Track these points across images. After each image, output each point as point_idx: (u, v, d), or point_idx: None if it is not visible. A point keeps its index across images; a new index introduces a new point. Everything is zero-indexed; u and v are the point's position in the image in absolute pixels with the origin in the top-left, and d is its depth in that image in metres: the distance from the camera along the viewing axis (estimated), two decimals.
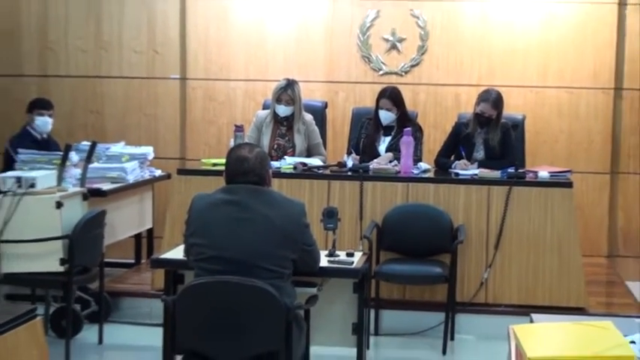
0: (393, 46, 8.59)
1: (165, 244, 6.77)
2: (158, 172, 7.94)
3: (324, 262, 4.74)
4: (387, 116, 7.23)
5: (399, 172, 6.90)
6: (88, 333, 6.55)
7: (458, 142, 7.31)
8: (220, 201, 4.43)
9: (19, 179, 6.04)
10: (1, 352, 3.39)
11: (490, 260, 6.72)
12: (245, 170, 4.43)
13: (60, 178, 6.45)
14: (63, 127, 8.15)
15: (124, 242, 7.61)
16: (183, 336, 4.40)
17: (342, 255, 4.89)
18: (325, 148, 7.57)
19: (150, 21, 8.89)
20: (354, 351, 4.84)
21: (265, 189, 4.48)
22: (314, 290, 4.66)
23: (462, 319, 6.62)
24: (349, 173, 6.95)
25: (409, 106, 7.59)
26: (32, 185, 6.05)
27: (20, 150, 6.86)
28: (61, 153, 6.69)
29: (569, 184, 6.77)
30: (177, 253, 4.89)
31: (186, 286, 4.42)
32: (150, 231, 8.08)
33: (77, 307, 6.47)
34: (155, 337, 5.33)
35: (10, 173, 6.26)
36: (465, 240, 6.55)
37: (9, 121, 8.62)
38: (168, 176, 7.95)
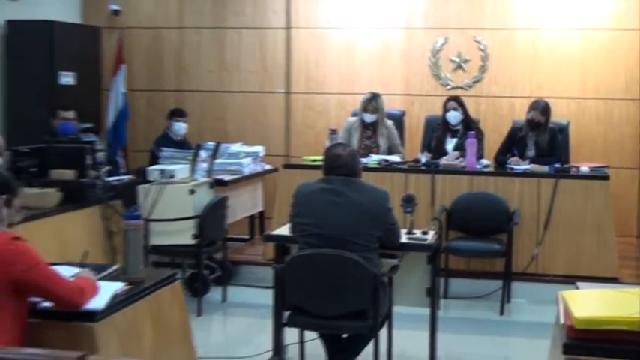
0: (459, 66, 8.50)
1: (273, 224, 6.81)
2: (267, 167, 7.97)
3: (403, 238, 4.72)
4: (454, 115, 7.15)
5: (465, 167, 6.84)
6: (215, 293, 6.65)
7: (513, 143, 7.22)
8: (320, 189, 4.44)
9: (162, 172, 6.20)
10: (151, 307, 3.45)
11: (540, 238, 6.63)
12: (340, 165, 4.43)
13: (192, 171, 6.57)
14: (194, 130, 8.21)
15: (241, 221, 7.65)
16: (290, 296, 4.42)
17: (418, 233, 4.85)
18: (403, 147, 7.51)
19: (261, 47, 8.93)
20: (427, 310, 4.83)
21: (356, 179, 4.48)
22: (396, 261, 4.64)
23: (517, 286, 6.55)
24: (423, 168, 6.90)
25: (472, 114, 7.52)
26: (172, 176, 6.19)
27: (162, 149, 7.00)
28: (193, 151, 6.81)
29: (605, 177, 6.67)
30: (284, 230, 4.89)
31: (292, 257, 4.44)
32: (261, 213, 8.10)
33: (206, 272, 6.56)
34: (267, 296, 5.34)
35: (155, 167, 6.40)
36: (519, 222, 6.48)
37: (152, 125, 8.82)
38: (275, 170, 7.96)
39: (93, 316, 3.03)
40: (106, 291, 3.20)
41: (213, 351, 5.28)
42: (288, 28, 8.86)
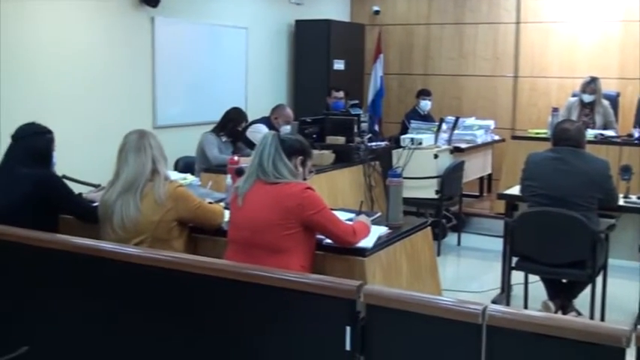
0: None
1: (500, 185, 6.58)
2: (496, 137, 7.67)
3: (620, 201, 4.35)
4: None
5: None
6: (451, 238, 6.56)
7: None
8: (549, 157, 4.18)
9: (412, 140, 6.16)
10: (406, 247, 3.41)
11: None
12: (567, 137, 4.14)
13: (436, 139, 6.50)
14: (436, 107, 8.11)
15: (473, 181, 7.45)
16: (519, 245, 4.24)
17: (633, 197, 4.45)
18: (617, 124, 6.90)
19: (494, 39, 8.60)
20: (639, 264, 4.46)
21: (581, 150, 4.17)
22: (613, 221, 4.31)
23: None
24: (635, 141, 6.28)
25: None
26: (420, 143, 6.15)
27: (411, 121, 6.99)
28: (437, 123, 6.76)
29: None
30: (513, 191, 4.70)
31: (522, 213, 4.25)
32: (489, 175, 7.85)
33: (444, 221, 6.46)
34: (494, 243, 5.22)
35: (406, 136, 6.39)
36: None
37: (403, 102, 8.87)
38: (502, 140, 7.66)
39: (363, 252, 3.03)
40: (374, 233, 3.19)
41: (448, 284, 5.17)
42: (517, 22, 8.44)
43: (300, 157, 3.07)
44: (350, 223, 3.13)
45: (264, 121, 6.15)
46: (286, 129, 5.83)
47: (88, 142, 5.82)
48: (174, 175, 3.77)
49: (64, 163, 3.63)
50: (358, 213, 3.40)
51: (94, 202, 3.51)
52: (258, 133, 5.84)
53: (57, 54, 5.62)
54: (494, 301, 4.54)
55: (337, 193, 5.59)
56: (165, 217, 3.12)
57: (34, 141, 3.32)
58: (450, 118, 7.02)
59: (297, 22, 8.41)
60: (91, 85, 5.93)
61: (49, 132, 3.40)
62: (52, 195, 3.26)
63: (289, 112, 6.23)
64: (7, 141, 3.37)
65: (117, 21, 6.15)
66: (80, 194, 3.65)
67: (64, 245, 2.75)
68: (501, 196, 4.94)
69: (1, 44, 5.18)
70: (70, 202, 3.35)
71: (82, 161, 5.32)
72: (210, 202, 3.45)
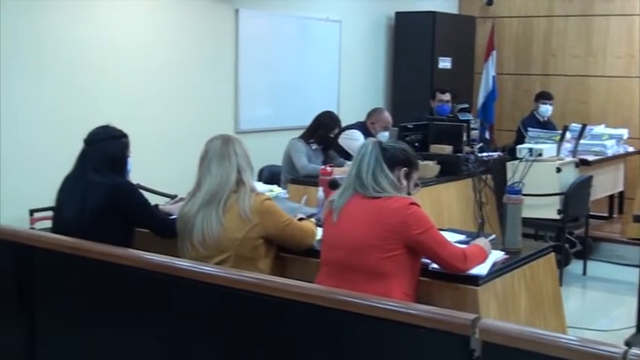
0: None
1: (635, 206, 6.42)
2: (630, 149, 7.45)
3: None
4: None
5: None
6: (575, 266, 6.39)
7: None
8: None
9: (530, 150, 6.07)
10: (526, 275, 3.32)
11: None
12: None
13: (558, 150, 6.36)
14: (558, 112, 7.93)
15: (600, 200, 7.20)
16: None
17: None
18: None
19: (629, 34, 8.35)
20: None
21: None
22: None
23: None
24: None
25: None
26: (539, 155, 6.06)
27: (529, 128, 6.88)
28: (559, 132, 6.63)
29: None
30: None
31: None
32: (621, 193, 7.60)
33: (567, 246, 6.29)
34: (627, 274, 5.01)
35: (524, 145, 6.30)
36: None
37: (518, 107, 8.83)
38: (638, 152, 7.49)
39: (476, 280, 2.96)
40: (489, 259, 3.11)
41: (572, 320, 4.96)
42: None
43: (405, 169, 3.03)
44: (461, 246, 3.06)
45: (359, 126, 6.15)
46: (384, 135, 5.83)
47: (164, 148, 5.96)
48: (261, 187, 3.80)
49: (138, 171, 3.70)
50: (477, 235, 3.32)
51: (171, 214, 3.58)
52: (352, 140, 5.86)
53: (130, 52, 5.78)
54: (628, 343, 4.35)
55: (442, 209, 5.55)
56: (250, 233, 3.13)
57: (108, 145, 3.40)
58: (575, 126, 6.90)
59: (398, 14, 8.40)
60: (168, 86, 6.08)
61: (125, 136, 3.48)
62: (127, 206, 3.33)
63: (387, 116, 6.22)
64: (79, 145, 3.46)
65: (197, 14, 6.28)
66: (156, 206, 3.72)
67: (137, 262, 2.80)
68: (637, 219, 4.74)
69: (74, 44, 5.37)
70: (146, 214, 3.42)
71: (158, 169, 5.47)
72: (301, 218, 3.46)
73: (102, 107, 5.38)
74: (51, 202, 3.49)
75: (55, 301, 3.00)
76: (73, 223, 3.25)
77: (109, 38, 5.61)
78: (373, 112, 6.26)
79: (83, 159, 3.41)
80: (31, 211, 4.91)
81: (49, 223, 3.65)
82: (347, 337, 2.34)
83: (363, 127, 6.12)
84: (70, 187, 3.38)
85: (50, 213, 3.68)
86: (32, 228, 4.64)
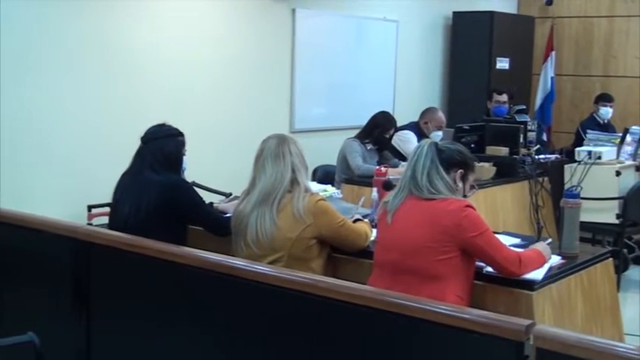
0: None
1: None
2: None
3: None
4: None
5: None
6: (633, 272, 6.26)
7: None
8: None
9: (589, 153, 5.94)
10: (583, 281, 3.26)
11: None
12: None
13: (618, 154, 6.23)
14: (617, 114, 7.75)
15: None
16: None
17: None
18: None
19: None
20: None
21: None
22: None
23: None
24: None
25: None
26: (599, 158, 5.94)
27: (588, 131, 6.75)
28: (619, 135, 6.50)
29: None
30: None
31: None
32: None
33: (625, 251, 6.15)
34: None
35: (583, 148, 6.16)
36: None
37: (576, 109, 8.73)
38: None
39: (532, 285, 2.92)
40: (547, 264, 3.06)
41: (629, 328, 4.87)
42: None
43: (461, 171, 3.00)
44: (518, 250, 3.02)
45: (412, 126, 6.12)
46: (437, 135, 5.80)
47: (219, 146, 6.01)
48: (315, 187, 3.80)
49: (192, 169, 3.73)
50: (536, 239, 3.28)
51: (226, 212, 3.60)
52: (405, 141, 5.85)
53: (187, 52, 5.83)
54: None
55: (497, 212, 5.49)
56: (304, 233, 3.14)
57: (165, 144, 3.44)
58: (636, 129, 6.67)
59: (455, 14, 8.34)
60: (224, 85, 6.12)
61: (181, 134, 3.52)
62: (182, 203, 3.37)
63: (441, 116, 6.17)
64: (136, 143, 3.51)
65: (254, 14, 6.31)
66: (211, 204, 3.75)
67: (193, 260, 2.82)
68: None
69: (131, 45, 5.45)
70: (201, 211, 3.45)
71: (213, 168, 5.50)
72: (356, 219, 3.45)
73: (159, 106, 5.44)
74: (108, 198, 3.55)
75: (111, 297, 3.03)
76: (129, 219, 3.30)
77: (168, 38, 5.67)
78: (427, 112, 6.22)
79: (140, 157, 3.45)
80: (89, 207, 4.99)
81: (106, 219, 3.70)
82: (398, 340, 2.32)
83: (416, 127, 6.09)
84: (126, 184, 3.43)
85: (107, 209, 3.73)
86: (89, 224, 4.72)
